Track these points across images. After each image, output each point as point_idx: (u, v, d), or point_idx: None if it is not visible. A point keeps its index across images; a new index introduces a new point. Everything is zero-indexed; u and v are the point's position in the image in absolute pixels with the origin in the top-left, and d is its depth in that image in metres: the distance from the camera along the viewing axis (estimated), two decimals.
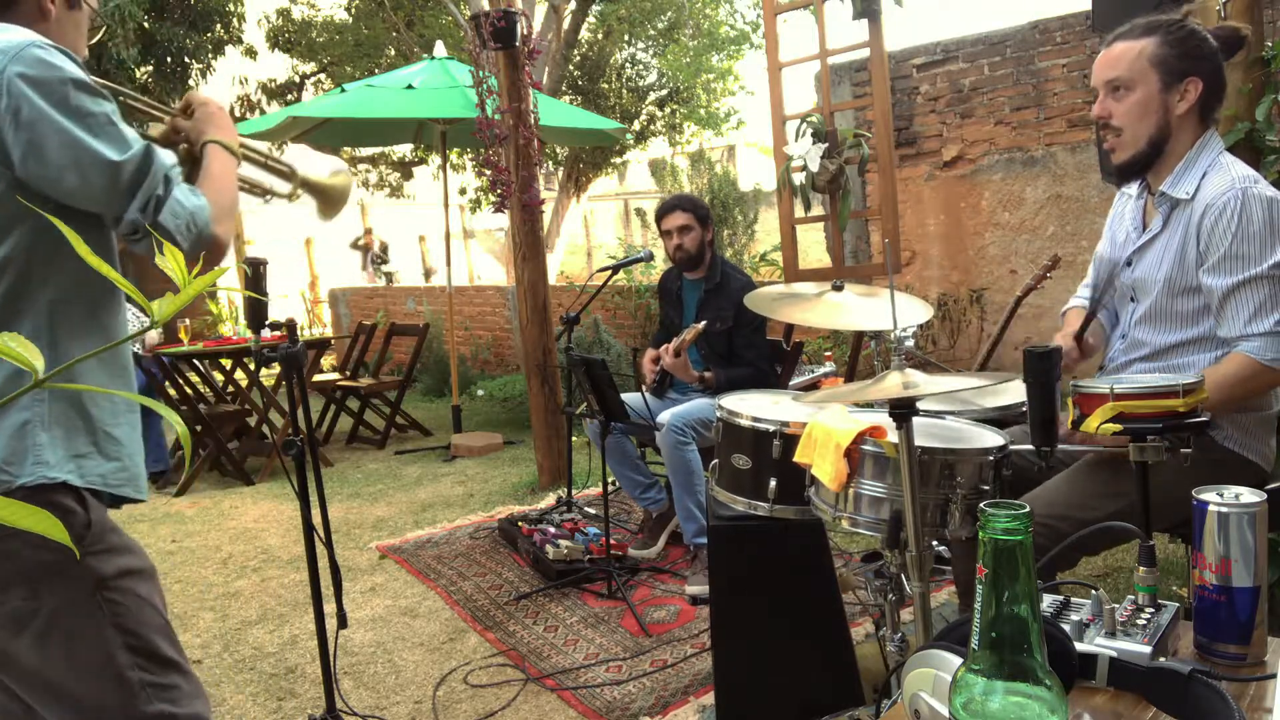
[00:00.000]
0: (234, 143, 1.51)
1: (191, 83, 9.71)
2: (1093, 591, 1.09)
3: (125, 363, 1.40)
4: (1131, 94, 1.75)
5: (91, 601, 1.29)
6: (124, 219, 1.25)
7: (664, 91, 11.75)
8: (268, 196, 1.77)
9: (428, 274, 15.59)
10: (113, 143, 1.23)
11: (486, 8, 4.37)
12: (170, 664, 1.37)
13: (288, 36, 11.21)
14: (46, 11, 1.32)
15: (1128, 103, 1.75)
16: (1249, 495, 1.08)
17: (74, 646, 1.29)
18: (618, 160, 11.87)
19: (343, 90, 5.97)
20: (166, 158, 1.30)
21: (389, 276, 12.42)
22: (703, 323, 3.24)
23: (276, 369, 5.94)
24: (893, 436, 1.52)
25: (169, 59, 9.34)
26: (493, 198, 4.82)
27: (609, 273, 3.88)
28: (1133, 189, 1.96)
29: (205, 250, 1.32)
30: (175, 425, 0.64)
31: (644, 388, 3.30)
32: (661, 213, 3.49)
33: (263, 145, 1.73)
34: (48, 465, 1.25)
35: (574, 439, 4.14)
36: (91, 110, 1.22)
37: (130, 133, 1.27)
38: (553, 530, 3.57)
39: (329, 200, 1.78)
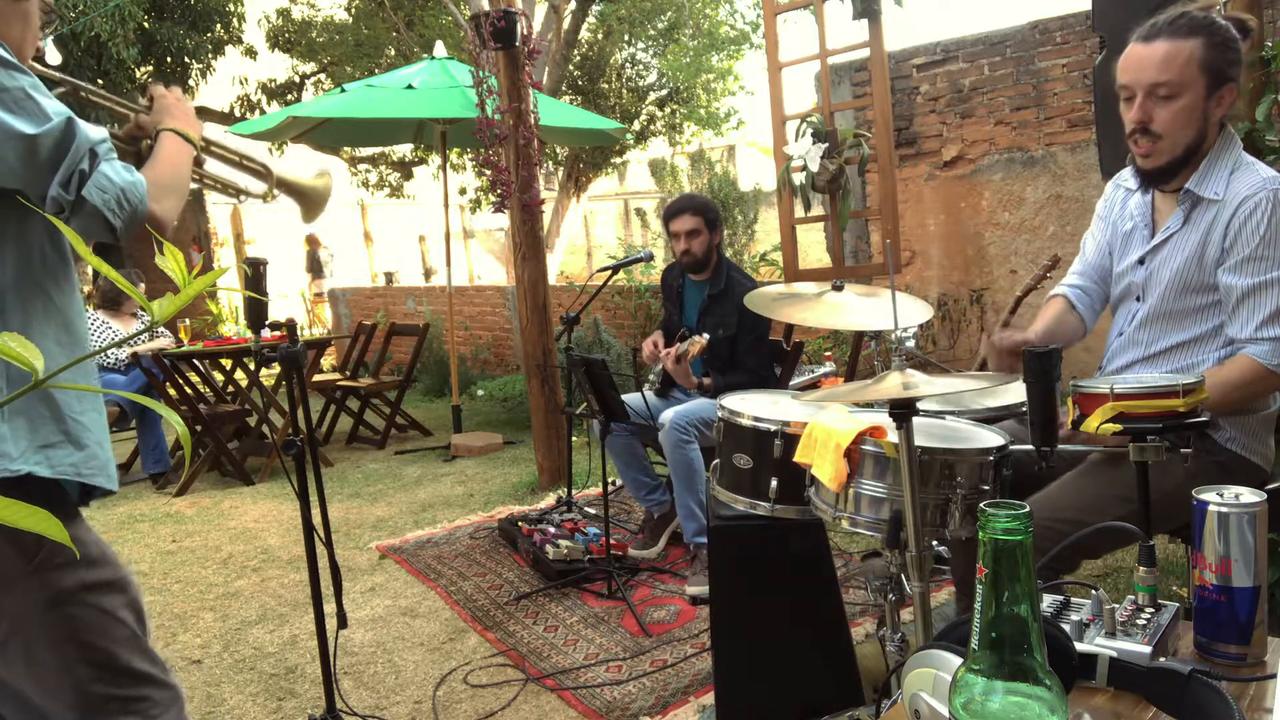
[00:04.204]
0: (192, 132, 1.49)
1: (191, 83, 9.71)
2: (1093, 591, 1.09)
3: (85, 347, 1.37)
4: (1178, 100, 1.67)
5: (48, 615, 1.26)
6: (46, 196, 1.20)
7: (664, 91, 11.74)
8: (242, 196, 1.75)
9: (428, 274, 15.59)
10: (28, 117, 1.19)
11: (486, 8, 4.37)
12: (139, 677, 1.34)
13: (288, 36, 11.20)
14: None
15: (1173, 109, 1.68)
16: (1249, 495, 1.08)
17: (32, 658, 1.27)
18: (618, 160, 11.86)
19: (343, 90, 5.97)
20: (94, 132, 1.24)
21: (320, 267, 12.51)
22: (706, 336, 3.22)
23: (276, 369, 5.95)
24: (893, 436, 1.52)
25: (169, 59, 9.35)
26: (493, 198, 4.82)
27: (609, 273, 3.88)
28: (1131, 181, 1.92)
29: (142, 228, 1.27)
30: (175, 425, 0.64)
31: (645, 387, 3.30)
32: (670, 214, 3.44)
33: (237, 144, 1.72)
34: (9, 458, 1.21)
35: (574, 439, 4.14)
36: (4, 85, 1.18)
37: (53, 106, 1.22)
38: (553, 530, 3.57)
39: (309, 201, 1.76)
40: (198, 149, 1.51)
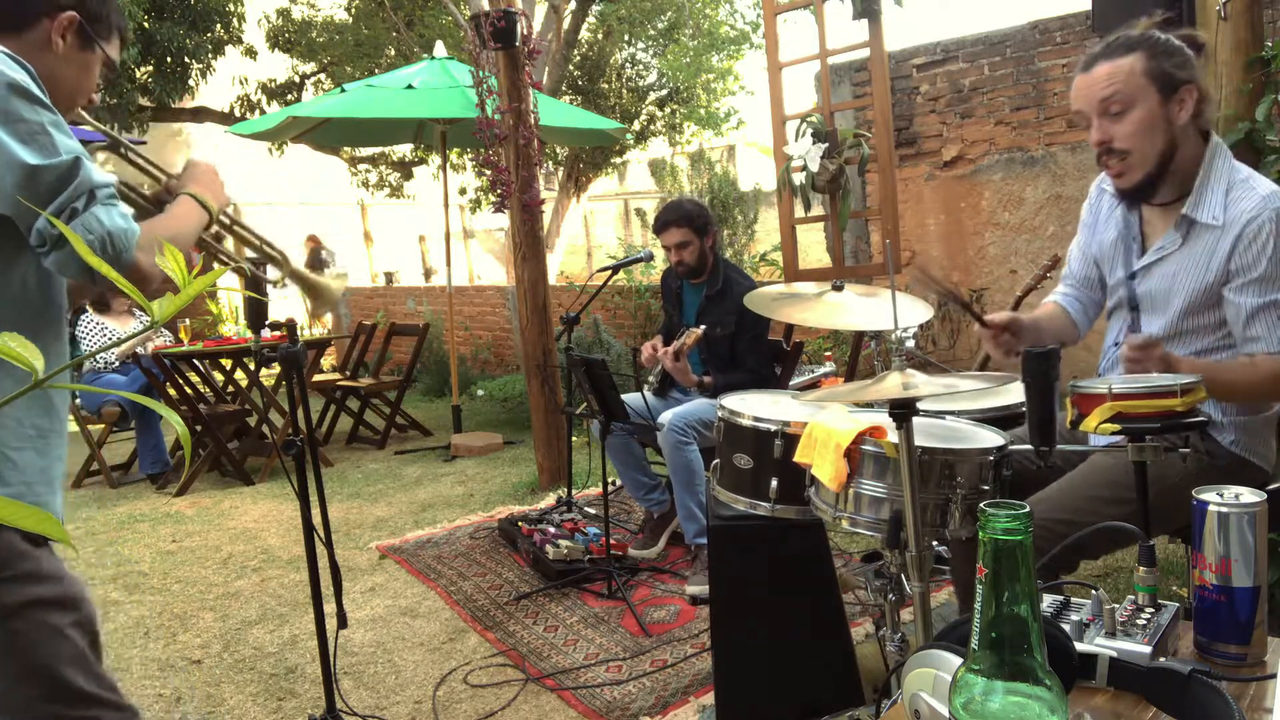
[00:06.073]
0: (211, 202, 1.50)
1: (191, 83, 9.71)
2: (1093, 591, 1.09)
3: (50, 393, 1.34)
4: (1131, 112, 1.68)
5: None
6: (33, 227, 1.21)
7: (664, 91, 11.74)
8: (255, 279, 1.76)
9: (428, 274, 15.58)
10: (38, 149, 1.20)
11: (486, 8, 4.37)
12: (85, 698, 1.33)
13: (288, 36, 11.19)
14: (54, 44, 1.32)
15: (1129, 122, 1.68)
16: (1249, 495, 1.08)
17: None
18: (618, 160, 11.85)
19: (343, 90, 5.97)
20: (99, 175, 1.25)
21: (322, 266, 12.45)
22: (701, 328, 3.24)
23: (276, 369, 5.95)
24: (893, 436, 1.52)
25: (169, 59, 9.34)
26: (493, 198, 4.82)
27: (609, 273, 3.88)
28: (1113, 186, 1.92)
29: (122, 275, 1.26)
30: (175, 425, 0.64)
31: (644, 388, 3.30)
32: (657, 228, 3.45)
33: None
34: None
35: (574, 439, 4.14)
36: (24, 116, 1.20)
37: (67, 143, 1.23)
38: (553, 530, 3.57)
39: (317, 297, 1.78)
40: (213, 218, 1.51)
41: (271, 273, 1.74)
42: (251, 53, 10.55)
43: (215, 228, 1.55)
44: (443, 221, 6.31)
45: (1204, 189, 1.71)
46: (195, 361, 5.84)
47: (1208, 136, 1.75)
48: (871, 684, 2.13)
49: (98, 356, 4.99)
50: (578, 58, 11.04)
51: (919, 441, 1.54)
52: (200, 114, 11.04)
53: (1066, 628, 1.01)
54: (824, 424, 1.69)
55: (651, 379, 3.37)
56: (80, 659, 1.34)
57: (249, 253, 1.78)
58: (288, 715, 2.53)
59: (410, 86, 5.62)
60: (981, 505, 0.74)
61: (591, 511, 3.93)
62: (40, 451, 1.33)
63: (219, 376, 6.17)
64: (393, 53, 11.09)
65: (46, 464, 1.35)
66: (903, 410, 1.42)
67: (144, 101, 9.36)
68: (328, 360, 8.63)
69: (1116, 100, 1.68)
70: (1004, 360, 1.94)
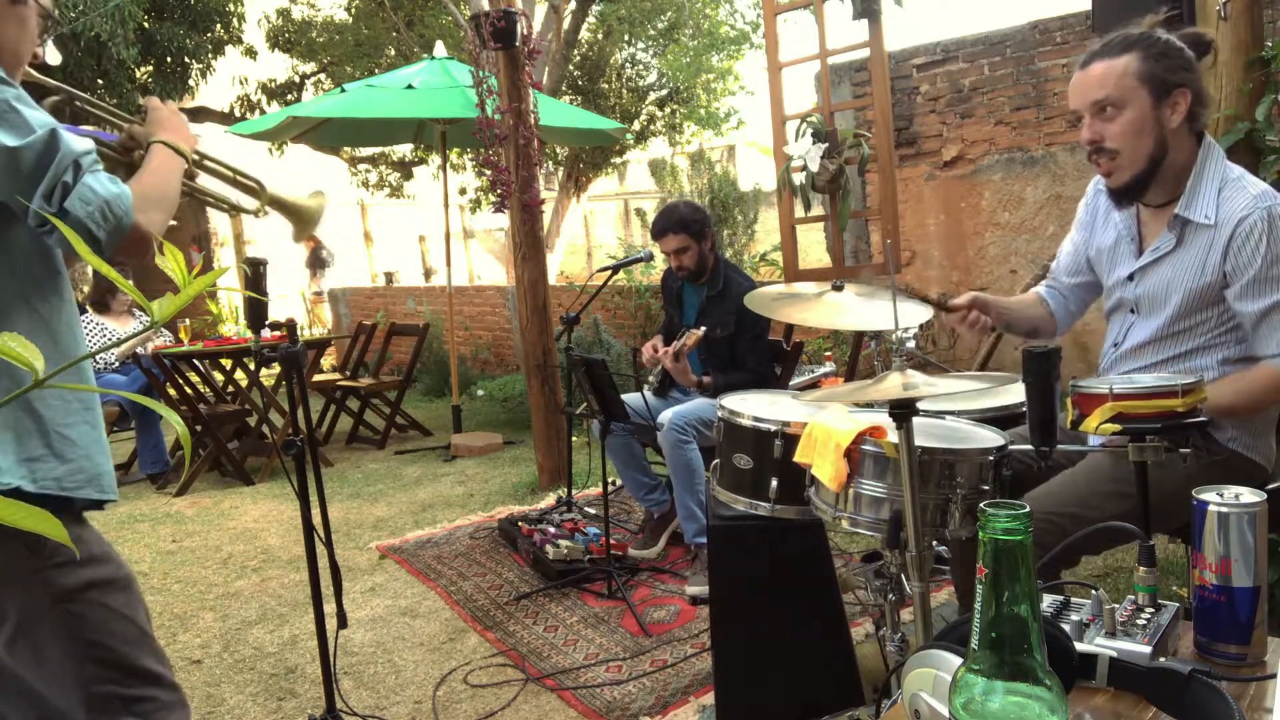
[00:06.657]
0: (183, 145, 1.48)
1: (191, 83, 9.71)
2: (1093, 591, 1.09)
3: (80, 363, 1.36)
4: (1122, 113, 1.68)
5: (53, 613, 1.26)
6: (29, 208, 1.19)
7: (664, 91, 11.74)
8: (234, 212, 1.75)
9: (428, 274, 15.57)
10: (11, 129, 1.17)
11: (486, 8, 4.37)
12: (145, 676, 1.34)
13: (288, 36, 11.18)
14: None
15: (1120, 123, 1.69)
16: (1249, 495, 1.08)
17: (40, 655, 1.27)
18: (618, 160, 11.85)
19: (343, 90, 5.97)
20: (78, 144, 1.23)
21: (322, 264, 12.37)
22: (702, 329, 3.24)
23: (276, 369, 5.95)
24: (893, 436, 1.52)
25: (169, 59, 9.34)
26: (493, 198, 4.82)
27: (609, 273, 3.88)
28: None
29: (127, 240, 1.25)
30: (175, 425, 0.64)
31: (644, 388, 3.30)
32: (655, 234, 3.46)
33: (230, 159, 1.71)
34: None
35: (574, 439, 4.14)
36: None
37: (37, 117, 1.20)
38: (553, 530, 3.57)
39: (300, 219, 1.77)
40: (189, 162, 1.50)
41: (249, 202, 1.73)
42: (251, 53, 10.54)
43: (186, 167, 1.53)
44: (443, 221, 6.31)
45: (1196, 189, 1.72)
46: (195, 361, 5.84)
47: (1202, 139, 1.75)
48: (871, 684, 2.13)
49: (98, 356, 4.99)
50: (578, 58, 11.03)
51: (919, 441, 1.54)
52: (200, 114, 11.03)
53: (1066, 628, 1.01)
54: (824, 424, 1.69)
55: (651, 379, 3.37)
56: (140, 638, 1.35)
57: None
58: (288, 715, 2.53)
59: (410, 86, 5.61)
60: (981, 505, 0.74)
61: (591, 511, 3.93)
62: (91, 424, 1.34)
63: (219, 376, 6.17)
64: (393, 53, 11.08)
65: (98, 434, 1.35)
66: (903, 410, 1.42)
67: (144, 101, 9.36)
68: (328, 360, 8.63)
69: (1108, 101, 1.69)
70: (980, 340, 1.95)
